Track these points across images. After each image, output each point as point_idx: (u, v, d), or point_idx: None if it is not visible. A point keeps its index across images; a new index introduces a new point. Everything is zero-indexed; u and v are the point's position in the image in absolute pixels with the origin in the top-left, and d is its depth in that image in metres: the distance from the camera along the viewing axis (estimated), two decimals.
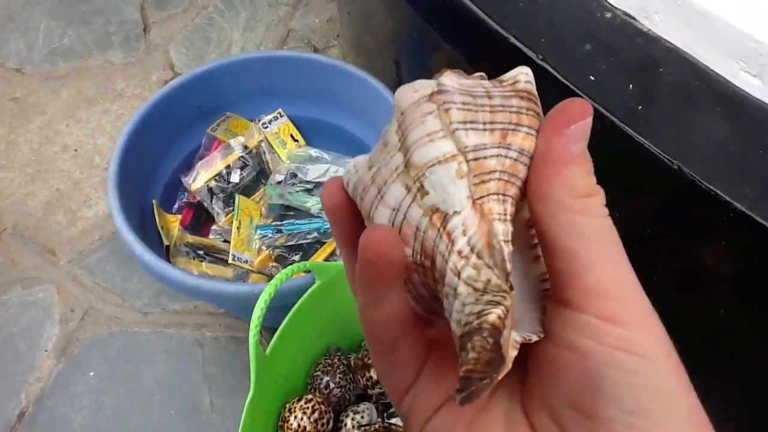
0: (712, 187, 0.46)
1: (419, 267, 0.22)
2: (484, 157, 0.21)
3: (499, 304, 0.19)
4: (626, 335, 0.19)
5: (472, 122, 0.21)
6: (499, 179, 0.21)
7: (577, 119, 0.21)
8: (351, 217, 0.24)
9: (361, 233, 0.20)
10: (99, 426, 0.92)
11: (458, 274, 0.20)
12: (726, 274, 0.54)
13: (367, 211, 0.23)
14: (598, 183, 0.21)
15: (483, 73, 0.25)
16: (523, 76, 0.23)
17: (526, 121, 0.22)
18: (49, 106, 1.29)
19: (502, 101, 0.22)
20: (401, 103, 0.22)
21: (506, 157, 0.21)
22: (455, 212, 0.20)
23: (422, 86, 0.22)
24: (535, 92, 0.23)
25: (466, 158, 0.21)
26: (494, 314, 0.19)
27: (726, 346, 0.59)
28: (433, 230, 0.21)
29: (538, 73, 0.54)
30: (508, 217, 0.21)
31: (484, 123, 0.21)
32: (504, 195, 0.21)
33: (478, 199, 0.21)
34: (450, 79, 0.22)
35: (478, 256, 0.20)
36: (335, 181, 0.24)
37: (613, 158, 0.55)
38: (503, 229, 0.20)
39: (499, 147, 0.21)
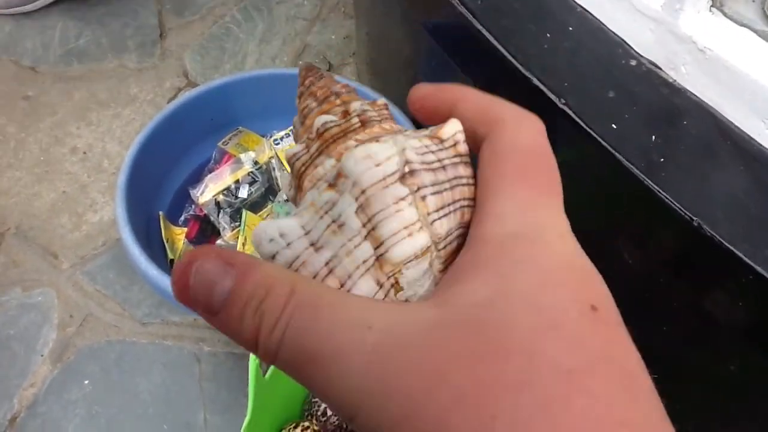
0: (732, 248, 0.45)
1: None
2: (451, 243, 0.20)
3: None
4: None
5: (443, 208, 0.20)
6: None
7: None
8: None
9: None
10: None
11: None
12: (739, 331, 0.53)
13: None
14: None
15: (384, 101, 0.24)
16: (460, 135, 0.22)
17: (468, 193, 0.21)
18: (61, 106, 1.29)
19: (454, 172, 0.21)
20: (361, 178, 0.19)
21: (464, 236, 0.21)
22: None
23: (381, 157, 0.20)
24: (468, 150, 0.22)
25: (437, 248, 0.20)
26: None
27: (735, 401, 0.58)
28: None
29: (561, 117, 0.54)
30: None
31: (451, 204, 0.20)
32: None
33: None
34: (412, 150, 0.20)
35: None
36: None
37: (630, 207, 0.55)
38: None
39: (460, 228, 0.21)
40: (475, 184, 0.21)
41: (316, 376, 0.18)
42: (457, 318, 0.17)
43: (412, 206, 0.19)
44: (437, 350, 0.17)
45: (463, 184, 0.21)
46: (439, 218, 0.20)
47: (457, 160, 0.21)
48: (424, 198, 0.20)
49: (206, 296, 0.19)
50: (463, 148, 0.22)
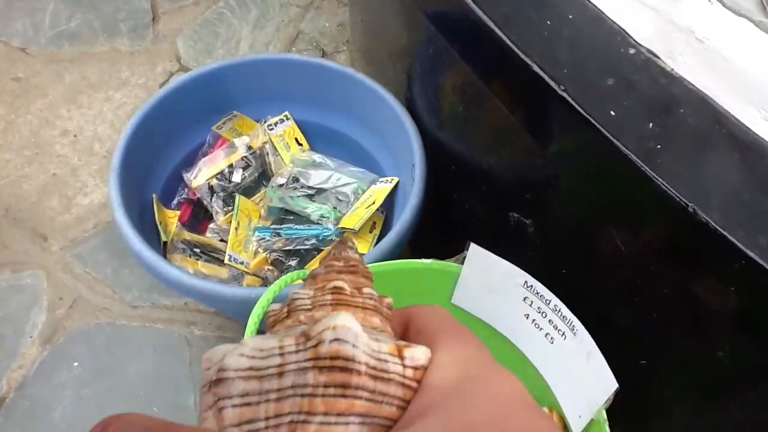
0: (726, 233, 0.46)
1: None
2: None
3: None
4: None
5: (249, 422, 0.18)
6: None
7: None
8: None
9: None
10: (79, 417, 0.91)
11: None
12: (729, 318, 0.54)
13: None
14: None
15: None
16: (329, 333, 0.19)
17: (321, 406, 0.18)
18: (52, 88, 1.28)
19: (295, 378, 0.19)
20: (202, 377, 0.20)
21: None
22: None
23: (214, 360, 0.19)
24: (349, 351, 0.19)
25: None
26: None
27: (722, 386, 0.59)
28: None
29: (560, 104, 0.54)
30: None
31: (267, 418, 0.18)
32: None
33: None
34: (240, 355, 0.19)
35: None
36: None
37: (625, 194, 0.55)
38: None
39: None
40: (328, 395, 0.18)
41: None
42: None
43: (213, 417, 0.19)
44: None
45: (300, 395, 0.18)
46: None
47: (308, 364, 0.19)
48: (221, 410, 0.18)
49: None
50: (326, 349, 0.19)
